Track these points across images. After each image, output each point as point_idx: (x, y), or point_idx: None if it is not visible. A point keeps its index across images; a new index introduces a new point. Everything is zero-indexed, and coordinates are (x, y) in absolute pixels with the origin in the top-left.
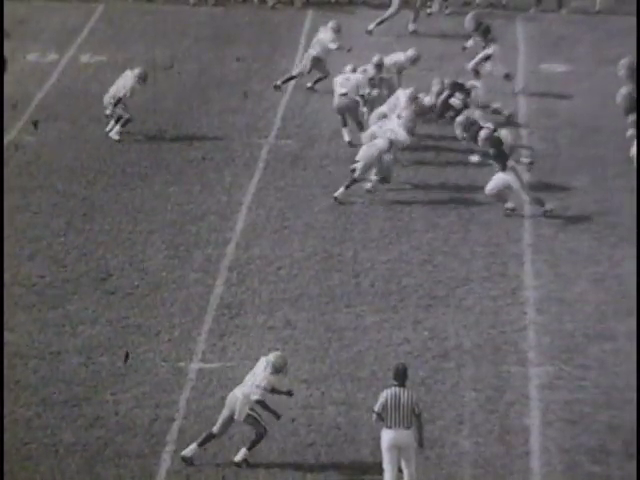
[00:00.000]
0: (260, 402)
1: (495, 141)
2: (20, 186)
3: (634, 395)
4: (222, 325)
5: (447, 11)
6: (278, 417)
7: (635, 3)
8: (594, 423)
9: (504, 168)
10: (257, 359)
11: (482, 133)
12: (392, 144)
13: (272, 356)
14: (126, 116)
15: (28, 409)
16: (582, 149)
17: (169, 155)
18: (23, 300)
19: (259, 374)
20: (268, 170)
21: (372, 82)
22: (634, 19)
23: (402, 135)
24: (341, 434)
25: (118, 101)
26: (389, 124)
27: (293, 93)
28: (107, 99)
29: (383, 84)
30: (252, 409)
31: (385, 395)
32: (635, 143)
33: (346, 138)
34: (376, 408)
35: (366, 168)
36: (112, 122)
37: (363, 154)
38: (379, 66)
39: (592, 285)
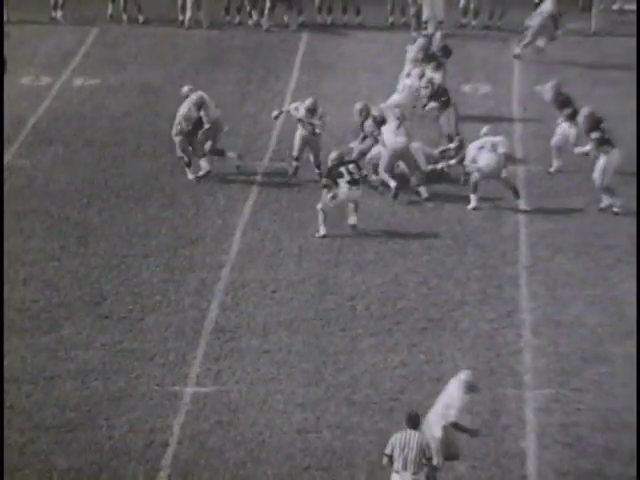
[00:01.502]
0: (455, 424)
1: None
2: (13, 210)
3: (631, 418)
4: (217, 349)
5: (442, 32)
6: (476, 434)
7: (631, 25)
8: (591, 446)
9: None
10: (252, 383)
11: None
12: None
13: (463, 374)
14: (185, 158)
15: (22, 434)
16: (578, 171)
17: (163, 178)
18: (17, 324)
19: (453, 395)
20: (262, 193)
21: (301, 123)
22: (630, 41)
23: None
24: (336, 458)
25: (180, 132)
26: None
27: (288, 116)
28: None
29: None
30: (445, 428)
31: (395, 437)
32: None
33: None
34: (386, 450)
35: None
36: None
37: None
38: (310, 111)
39: (588, 307)
